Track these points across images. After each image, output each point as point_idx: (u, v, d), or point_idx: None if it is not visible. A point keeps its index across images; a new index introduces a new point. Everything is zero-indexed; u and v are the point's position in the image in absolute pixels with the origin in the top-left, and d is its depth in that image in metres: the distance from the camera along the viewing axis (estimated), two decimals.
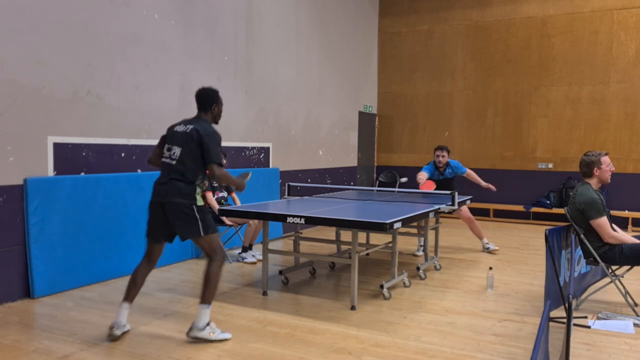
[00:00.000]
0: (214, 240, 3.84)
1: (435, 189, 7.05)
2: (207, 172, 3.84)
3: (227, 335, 3.82)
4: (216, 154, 3.77)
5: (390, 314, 4.47)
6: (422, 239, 7.00)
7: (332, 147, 9.91)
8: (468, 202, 6.57)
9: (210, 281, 3.76)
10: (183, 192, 3.73)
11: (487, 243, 7.31)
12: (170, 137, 3.90)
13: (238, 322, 4.22)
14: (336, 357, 3.55)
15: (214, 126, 3.95)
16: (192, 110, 6.61)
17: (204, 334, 3.73)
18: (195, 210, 3.74)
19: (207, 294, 3.76)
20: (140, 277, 3.91)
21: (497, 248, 7.27)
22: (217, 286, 3.80)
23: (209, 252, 3.83)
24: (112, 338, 3.75)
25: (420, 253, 7.11)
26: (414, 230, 6.86)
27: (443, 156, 7.10)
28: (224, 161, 4.05)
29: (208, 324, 3.75)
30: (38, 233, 4.80)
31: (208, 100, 3.96)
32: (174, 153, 3.80)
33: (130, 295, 3.87)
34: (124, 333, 3.86)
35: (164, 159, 3.88)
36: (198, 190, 3.81)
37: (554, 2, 9.86)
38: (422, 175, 6.92)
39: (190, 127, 3.81)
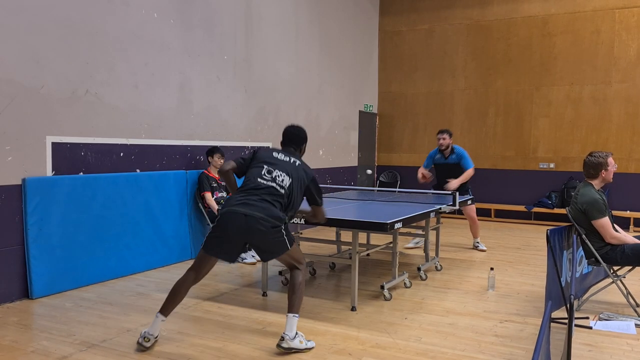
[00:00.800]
0: (297, 250, 3.84)
1: (441, 175, 7.20)
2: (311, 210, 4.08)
3: (313, 344, 3.73)
4: (320, 197, 3.99)
5: (390, 315, 4.45)
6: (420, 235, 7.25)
7: (332, 147, 9.89)
8: (469, 202, 6.54)
9: (299, 290, 3.71)
10: (279, 217, 3.67)
11: (478, 242, 7.42)
12: (272, 162, 3.84)
13: (238, 323, 4.20)
14: (336, 358, 3.53)
15: None
16: (192, 110, 6.63)
17: (296, 343, 3.59)
18: (284, 229, 3.70)
19: (296, 303, 3.68)
20: (184, 290, 3.71)
21: (485, 249, 7.33)
22: (301, 296, 3.74)
23: (293, 264, 3.79)
24: (141, 349, 3.61)
25: (412, 245, 7.40)
26: (415, 231, 6.84)
27: (444, 139, 7.06)
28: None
29: (297, 333, 3.64)
30: (37, 233, 4.78)
31: (302, 139, 4.06)
32: (282, 180, 3.75)
33: (168, 308, 3.67)
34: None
35: (264, 181, 3.75)
36: (286, 215, 3.82)
37: (555, 1, 9.83)
38: (420, 174, 7.15)
39: (297, 162, 3.88)
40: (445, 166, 7.14)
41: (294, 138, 4.01)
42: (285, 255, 3.73)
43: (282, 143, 4.05)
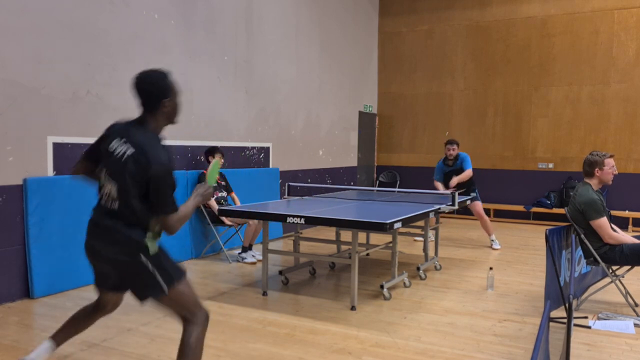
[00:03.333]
0: (184, 294, 2.66)
1: (449, 180, 7.51)
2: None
3: None
4: (166, 203, 2.57)
5: (390, 314, 4.47)
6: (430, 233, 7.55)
7: (332, 147, 9.90)
8: (469, 202, 6.56)
9: (190, 354, 2.63)
10: (127, 242, 2.59)
11: (493, 240, 7.54)
12: (107, 157, 2.65)
13: (238, 322, 4.21)
14: (336, 358, 3.54)
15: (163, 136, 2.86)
16: (192, 111, 6.64)
17: None
18: (147, 261, 2.59)
19: None
20: (81, 321, 3.04)
21: (498, 247, 7.48)
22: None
23: (180, 313, 2.68)
24: None
25: (420, 239, 7.63)
26: (415, 230, 6.85)
27: (453, 149, 7.51)
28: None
29: None
30: (37, 233, 4.80)
31: (153, 93, 2.69)
32: (109, 193, 2.63)
33: (60, 335, 3.02)
34: None
35: (102, 190, 2.69)
36: (149, 235, 2.63)
37: (554, 2, 9.85)
38: (439, 188, 7.53)
39: (130, 150, 2.58)
40: (450, 172, 7.56)
41: (143, 95, 2.72)
42: (165, 299, 2.62)
43: (139, 107, 2.79)
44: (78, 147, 5.24)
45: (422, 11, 11.00)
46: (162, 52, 6.16)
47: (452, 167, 7.57)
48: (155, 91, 2.69)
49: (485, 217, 7.53)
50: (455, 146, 7.55)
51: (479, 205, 7.48)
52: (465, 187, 7.45)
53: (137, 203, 2.57)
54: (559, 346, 3.61)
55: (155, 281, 2.58)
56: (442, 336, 3.97)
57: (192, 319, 2.67)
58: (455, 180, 7.31)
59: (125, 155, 2.58)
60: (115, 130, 2.72)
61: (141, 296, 2.67)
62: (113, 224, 2.61)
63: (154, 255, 2.61)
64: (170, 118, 2.82)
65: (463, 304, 4.82)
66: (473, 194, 7.44)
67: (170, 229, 2.60)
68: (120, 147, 2.61)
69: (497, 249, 7.41)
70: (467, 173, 7.44)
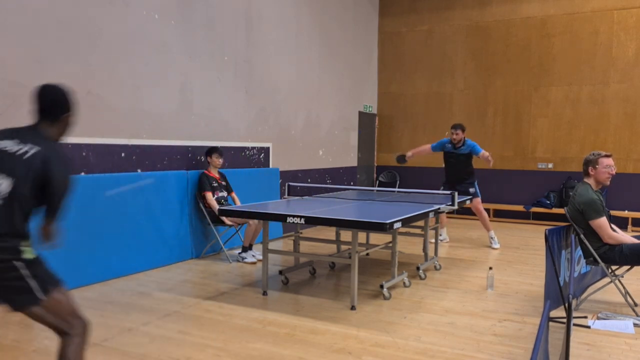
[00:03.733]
0: (60, 302, 2.53)
1: (448, 164, 7.55)
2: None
3: None
4: (60, 211, 2.56)
5: (390, 314, 4.47)
6: (442, 230, 7.68)
7: (332, 147, 9.91)
8: (468, 202, 6.57)
9: None
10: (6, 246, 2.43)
11: (492, 237, 7.52)
12: None
13: (238, 322, 4.22)
14: (336, 357, 3.55)
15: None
16: (192, 111, 6.65)
17: None
18: (22, 267, 2.46)
19: None
20: None
21: (497, 247, 7.46)
22: None
23: (57, 325, 2.52)
24: None
25: (445, 238, 7.84)
26: (415, 230, 6.85)
27: (457, 134, 7.36)
28: None
29: None
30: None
31: (58, 104, 2.66)
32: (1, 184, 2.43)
33: None
34: None
35: None
36: (27, 242, 2.50)
37: (553, 2, 9.86)
38: (411, 152, 7.65)
39: (34, 149, 2.47)
40: (454, 155, 7.47)
41: (47, 105, 2.64)
42: (38, 310, 2.47)
43: (36, 114, 2.64)
44: (78, 147, 5.25)
45: (422, 11, 11.01)
46: (162, 52, 6.17)
47: (456, 149, 7.45)
48: (61, 103, 2.68)
49: (484, 214, 7.53)
50: (459, 131, 7.38)
51: (477, 201, 7.47)
52: (466, 178, 7.44)
53: (28, 200, 2.45)
54: (558, 346, 3.61)
55: (28, 287, 2.43)
56: (442, 336, 3.97)
57: (70, 331, 2.52)
58: (486, 154, 7.19)
59: (29, 154, 2.46)
60: (2, 133, 2.58)
61: (15, 304, 2.50)
62: None
63: (29, 261, 2.47)
64: (64, 132, 2.73)
65: (463, 303, 4.83)
66: (472, 189, 7.46)
67: (50, 235, 2.62)
68: (17, 146, 2.49)
69: (496, 248, 7.41)
70: (485, 154, 7.32)
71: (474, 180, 7.56)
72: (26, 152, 2.47)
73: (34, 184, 2.45)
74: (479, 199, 7.49)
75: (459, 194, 7.10)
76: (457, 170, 7.57)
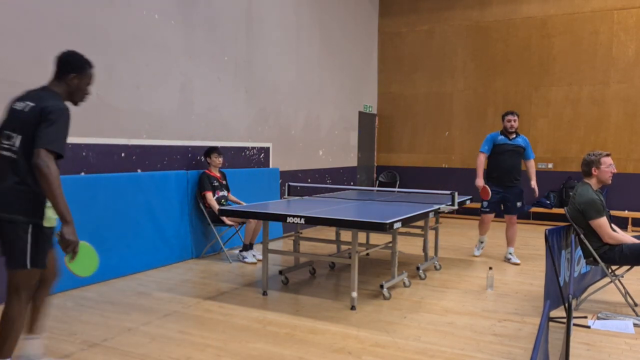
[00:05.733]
0: (32, 278, 2.86)
1: (501, 160, 6.54)
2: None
3: None
4: (52, 138, 2.65)
5: (390, 314, 4.47)
6: (482, 239, 7.01)
7: (332, 147, 9.91)
8: (468, 202, 6.56)
9: (6, 328, 2.78)
10: (20, 203, 2.71)
11: (512, 254, 6.65)
12: (9, 117, 2.83)
13: (238, 322, 4.22)
14: (336, 357, 3.55)
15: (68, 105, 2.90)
16: (192, 111, 6.65)
17: None
18: (29, 232, 2.74)
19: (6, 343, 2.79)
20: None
21: (518, 262, 6.54)
22: (17, 336, 2.83)
23: (14, 288, 2.82)
24: None
25: (479, 253, 7.00)
26: (415, 231, 6.86)
27: (515, 120, 6.52)
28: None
29: None
30: None
31: (65, 65, 2.94)
32: (14, 143, 2.74)
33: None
34: None
35: (1, 151, 2.81)
36: (48, 203, 2.75)
37: (554, 2, 9.86)
38: (479, 183, 6.60)
39: (31, 104, 2.76)
40: (509, 147, 6.53)
41: (57, 65, 2.97)
42: (19, 274, 2.79)
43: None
44: (78, 147, 5.25)
45: (422, 11, 11.01)
46: (162, 52, 6.17)
47: (511, 141, 6.54)
48: (68, 63, 2.93)
49: (516, 227, 6.77)
50: (516, 117, 6.54)
51: (514, 216, 6.70)
52: (518, 179, 6.55)
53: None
54: (558, 346, 3.61)
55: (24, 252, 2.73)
56: (441, 336, 3.98)
57: (17, 296, 2.82)
58: (535, 185, 6.60)
59: (27, 108, 2.75)
60: (17, 97, 2.92)
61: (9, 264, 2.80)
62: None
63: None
64: (72, 95, 2.96)
65: (463, 303, 4.83)
66: (520, 203, 6.68)
67: (38, 165, 2.61)
68: (23, 104, 2.79)
69: (517, 264, 6.50)
70: (534, 167, 6.72)
71: (521, 184, 6.71)
72: (25, 107, 2.76)
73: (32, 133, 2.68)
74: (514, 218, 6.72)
75: (506, 204, 6.63)
76: (510, 167, 6.55)
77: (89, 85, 3.01)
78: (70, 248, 2.79)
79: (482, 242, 7.08)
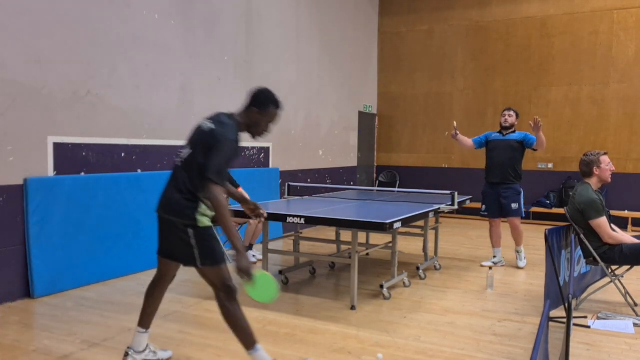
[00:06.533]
0: (212, 275, 3.17)
1: (494, 157, 6.30)
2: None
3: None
4: (215, 164, 2.86)
5: (390, 314, 4.47)
6: (495, 253, 6.47)
7: (332, 147, 9.91)
8: (468, 202, 6.56)
9: (233, 324, 3.12)
10: (180, 208, 2.98)
11: (520, 252, 6.37)
12: (193, 132, 3.15)
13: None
14: (336, 357, 3.55)
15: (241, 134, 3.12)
16: (192, 111, 6.65)
17: None
18: (191, 234, 2.99)
19: (240, 339, 3.12)
20: (150, 297, 3.37)
21: (523, 264, 6.33)
22: (243, 328, 3.11)
23: (213, 286, 3.21)
24: None
25: (488, 264, 6.40)
26: (415, 231, 6.86)
27: (510, 116, 6.26)
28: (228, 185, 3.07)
29: None
30: (38, 233, 4.80)
31: (252, 98, 3.15)
32: (185, 154, 3.06)
33: (144, 318, 3.37)
34: None
35: (175, 158, 3.19)
36: (202, 207, 3.01)
37: (553, 2, 9.86)
38: (455, 131, 6.43)
39: (209, 123, 3.03)
40: (500, 144, 6.24)
41: (248, 96, 3.20)
42: (203, 270, 3.11)
43: None
44: (78, 147, 5.25)
45: (422, 11, 11.01)
46: (162, 52, 6.17)
47: (504, 137, 6.25)
48: (255, 97, 3.13)
49: (520, 229, 6.35)
50: (512, 112, 6.27)
51: (516, 219, 6.28)
52: (510, 179, 6.15)
53: (197, 171, 2.93)
54: (558, 346, 3.61)
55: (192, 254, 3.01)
56: (442, 336, 3.97)
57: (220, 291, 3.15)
58: (541, 141, 5.84)
59: (206, 127, 3.01)
60: (208, 116, 3.15)
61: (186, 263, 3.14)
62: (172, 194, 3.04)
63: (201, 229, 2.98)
64: (250, 127, 3.15)
65: (463, 303, 4.83)
66: (516, 205, 6.16)
67: (210, 199, 2.88)
68: (205, 123, 3.05)
69: (521, 267, 6.29)
70: (542, 137, 5.88)
71: (519, 185, 6.28)
72: (205, 126, 3.02)
73: (201, 150, 2.93)
74: (519, 218, 6.28)
75: (502, 206, 6.16)
76: (500, 164, 6.20)
77: (270, 123, 3.17)
78: (246, 275, 2.95)
79: (494, 257, 6.48)
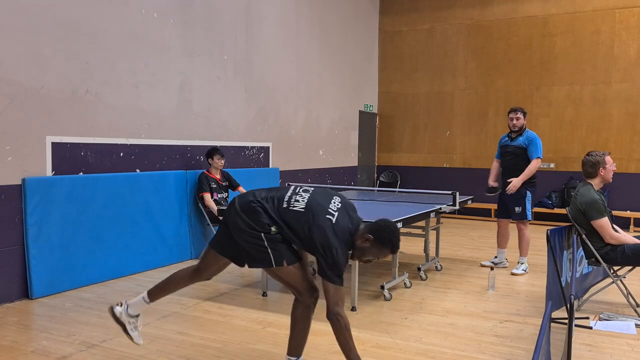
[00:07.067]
0: (292, 273, 3.16)
1: (504, 164, 6.16)
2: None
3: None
4: (328, 271, 2.98)
5: (390, 315, 4.45)
6: (498, 253, 6.35)
7: (332, 147, 9.88)
8: (469, 202, 6.53)
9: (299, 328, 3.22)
10: (260, 221, 2.99)
11: (522, 264, 6.10)
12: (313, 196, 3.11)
13: (237, 323, 4.19)
14: (336, 358, 3.52)
15: None
16: (192, 110, 6.62)
17: None
18: (264, 237, 2.98)
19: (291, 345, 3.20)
20: (178, 283, 3.34)
21: (519, 272, 5.99)
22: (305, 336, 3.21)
23: (290, 289, 3.25)
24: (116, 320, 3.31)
25: (487, 264, 6.33)
26: (416, 231, 6.83)
27: (517, 118, 5.97)
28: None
29: None
30: (36, 233, 4.78)
31: (368, 229, 3.00)
32: (296, 201, 3.06)
33: (157, 294, 3.33)
34: None
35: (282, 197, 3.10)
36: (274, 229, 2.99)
37: (555, 1, 9.82)
38: (490, 179, 6.25)
39: (341, 205, 3.07)
40: (509, 150, 6.06)
41: (373, 226, 3.01)
42: (272, 272, 3.12)
43: None
44: (77, 147, 5.23)
45: (423, 10, 10.98)
46: (161, 51, 6.14)
47: (512, 142, 6.01)
48: (372, 230, 2.96)
49: (527, 236, 6.13)
50: (519, 114, 5.95)
51: (522, 222, 6.09)
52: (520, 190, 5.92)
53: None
54: (560, 347, 3.59)
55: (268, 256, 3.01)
56: (443, 337, 3.95)
57: (299, 297, 3.29)
58: (518, 182, 5.82)
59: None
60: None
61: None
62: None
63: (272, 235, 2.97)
64: (359, 250, 3.02)
65: (464, 304, 4.80)
66: (519, 208, 5.98)
67: (327, 295, 2.99)
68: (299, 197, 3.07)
69: (516, 274, 5.95)
70: (534, 165, 5.82)
71: (528, 190, 6.00)
72: (339, 203, 3.05)
73: (312, 217, 2.95)
74: (526, 221, 6.07)
75: (507, 209, 6.06)
76: (507, 169, 6.08)
77: (375, 256, 3.04)
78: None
79: (495, 257, 6.38)
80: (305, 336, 3.28)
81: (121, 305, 3.30)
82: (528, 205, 6.06)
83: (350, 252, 3.03)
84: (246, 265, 3.16)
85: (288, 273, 3.09)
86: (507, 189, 5.96)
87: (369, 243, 2.94)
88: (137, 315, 3.33)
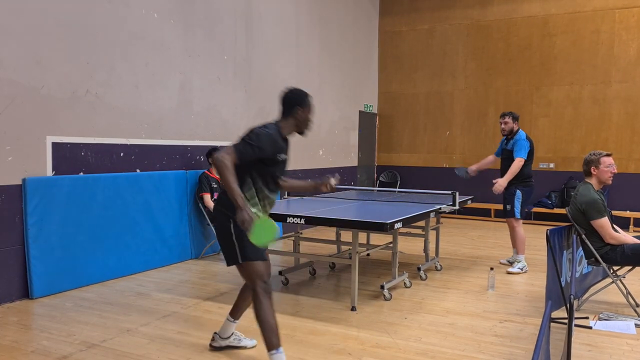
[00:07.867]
0: (251, 268, 3.30)
1: (502, 166, 6.32)
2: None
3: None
4: (239, 143, 3.15)
5: (390, 315, 4.45)
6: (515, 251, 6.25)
7: (332, 147, 9.89)
8: (469, 202, 6.54)
9: (260, 321, 3.19)
10: (221, 201, 3.23)
11: (519, 261, 6.11)
12: None
13: (237, 323, 4.19)
14: (336, 358, 3.53)
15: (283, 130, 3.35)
16: (192, 110, 6.63)
17: None
18: (232, 227, 3.14)
19: (264, 337, 3.18)
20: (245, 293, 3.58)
21: (514, 271, 6.01)
22: (269, 327, 3.16)
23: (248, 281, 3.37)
24: (210, 348, 3.64)
25: (505, 262, 6.45)
26: (415, 231, 6.84)
27: (505, 123, 6.14)
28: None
29: None
30: (37, 233, 4.78)
31: (289, 101, 3.31)
32: None
33: (235, 310, 3.62)
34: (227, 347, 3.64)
35: None
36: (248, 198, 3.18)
37: (555, 1, 9.83)
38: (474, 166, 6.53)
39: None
40: (504, 152, 6.30)
41: (281, 102, 3.37)
42: (239, 267, 3.23)
43: None
44: (77, 147, 5.23)
45: (423, 10, 10.99)
46: (161, 51, 6.15)
47: (507, 145, 6.21)
48: (293, 98, 3.29)
49: (520, 234, 6.17)
50: (507, 118, 6.09)
51: (512, 220, 6.16)
52: (509, 184, 6.03)
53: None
54: (560, 347, 3.59)
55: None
56: (442, 337, 3.95)
57: (254, 286, 3.31)
58: (503, 182, 5.96)
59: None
60: None
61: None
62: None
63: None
64: (299, 126, 3.37)
65: (464, 304, 4.80)
66: (509, 206, 6.10)
67: (217, 159, 3.01)
68: None
69: (512, 272, 5.97)
70: (515, 165, 5.95)
71: (518, 189, 6.12)
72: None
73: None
74: (517, 219, 6.13)
75: (504, 207, 6.20)
76: (503, 172, 6.20)
77: (310, 114, 3.37)
78: (246, 228, 2.94)
79: (518, 262, 6.17)
80: (247, 305, 3.59)
81: (214, 340, 3.64)
82: (517, 204, 6.16)
83: (300, 132, 3.41)
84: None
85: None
86: (493, 188, 6.11)
87: (300, 112, 3.29)
88: (232, 334, 3.66)
